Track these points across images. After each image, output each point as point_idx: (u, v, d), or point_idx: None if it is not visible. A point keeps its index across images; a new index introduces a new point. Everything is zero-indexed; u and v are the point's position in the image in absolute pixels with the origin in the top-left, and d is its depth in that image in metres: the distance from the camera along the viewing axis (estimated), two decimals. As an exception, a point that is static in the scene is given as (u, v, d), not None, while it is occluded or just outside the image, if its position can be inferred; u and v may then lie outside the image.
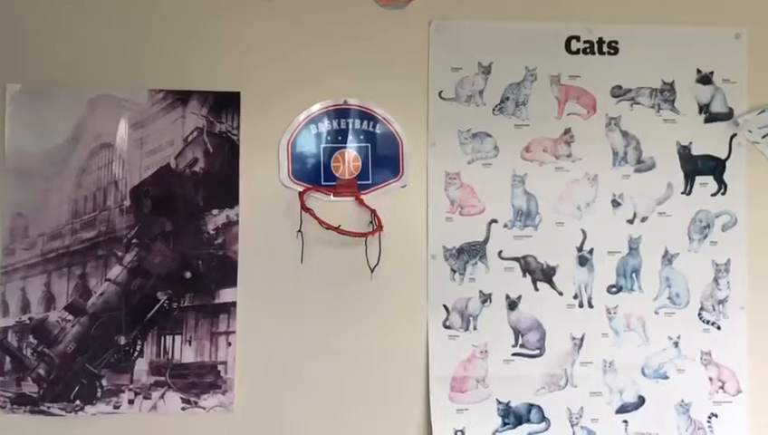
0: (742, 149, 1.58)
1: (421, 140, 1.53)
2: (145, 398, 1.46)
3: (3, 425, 1.44)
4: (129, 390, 1.46)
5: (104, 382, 1.46)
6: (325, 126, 1.52)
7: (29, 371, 1.46)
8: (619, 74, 1.57)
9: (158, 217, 1.49)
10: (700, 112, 1.58)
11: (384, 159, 1.53)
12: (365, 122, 1.53)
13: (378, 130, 1.53)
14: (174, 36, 1.50)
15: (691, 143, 1.57)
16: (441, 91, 1.54)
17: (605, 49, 1.56)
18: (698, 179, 1.57)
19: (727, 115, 1.58)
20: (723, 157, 1.58)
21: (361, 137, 1.53)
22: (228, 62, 1.50)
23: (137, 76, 1.49)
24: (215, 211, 1.49)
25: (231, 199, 1.49)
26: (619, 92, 1.56)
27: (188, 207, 1.49)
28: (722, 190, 1.58)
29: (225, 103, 1.50)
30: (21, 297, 1.46)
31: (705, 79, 1.58)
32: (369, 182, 1.52)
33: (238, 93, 1.50)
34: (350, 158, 1.52)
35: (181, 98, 1.49)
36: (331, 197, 1.51)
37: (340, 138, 1.52)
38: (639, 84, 1.57)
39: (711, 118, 1.58)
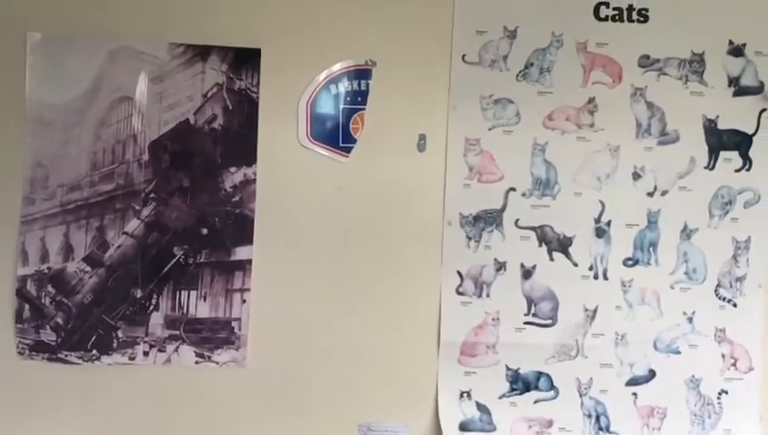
0: (771, 124, 1.54)
1: (442, 104, 1.51)
2: (159, 350, 1.49)
3: (22, 371, 1.47)
4: (145, 342, 1.49)
5: (120, 334, 1.48)
6: (345, 86, 1.50)
7: (47, 319, 1.48)
8: (647, 43, 1.52)
9: (176, 173, 1.49)
10: (729, 85, 1.54)
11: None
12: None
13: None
14: (195, -11, 1.49)
15: (718, 117, 1.53)
16: (464, 55, 1.51)
17: (634, 17, 1.52)
18: (723, 154, 1.54)
19: (758, 89, 1.54)
20: (750, 132, 1.54)
21: None
22: (249, 18, 1.48)
23: (157, 29, 1.48)
24: (232, 169, 1.49)
25: (249, 158, 1.49)
26: (646, 62, 1.52)
27: (206, 163, 1.49)
28: (746, 166, 1.54)
29: (246, 60, 1.48)
30: (40, 247, 1.48)
31: (737, 51, 1.53)
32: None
33: (259, 50, 1.48)
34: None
35: (201, 53, 1.48)
36: (346, 160, 1.50)
37: (359, 99, 1.51)
38: (668, 54, 1.52)
39: (740, 91, 1.54)
